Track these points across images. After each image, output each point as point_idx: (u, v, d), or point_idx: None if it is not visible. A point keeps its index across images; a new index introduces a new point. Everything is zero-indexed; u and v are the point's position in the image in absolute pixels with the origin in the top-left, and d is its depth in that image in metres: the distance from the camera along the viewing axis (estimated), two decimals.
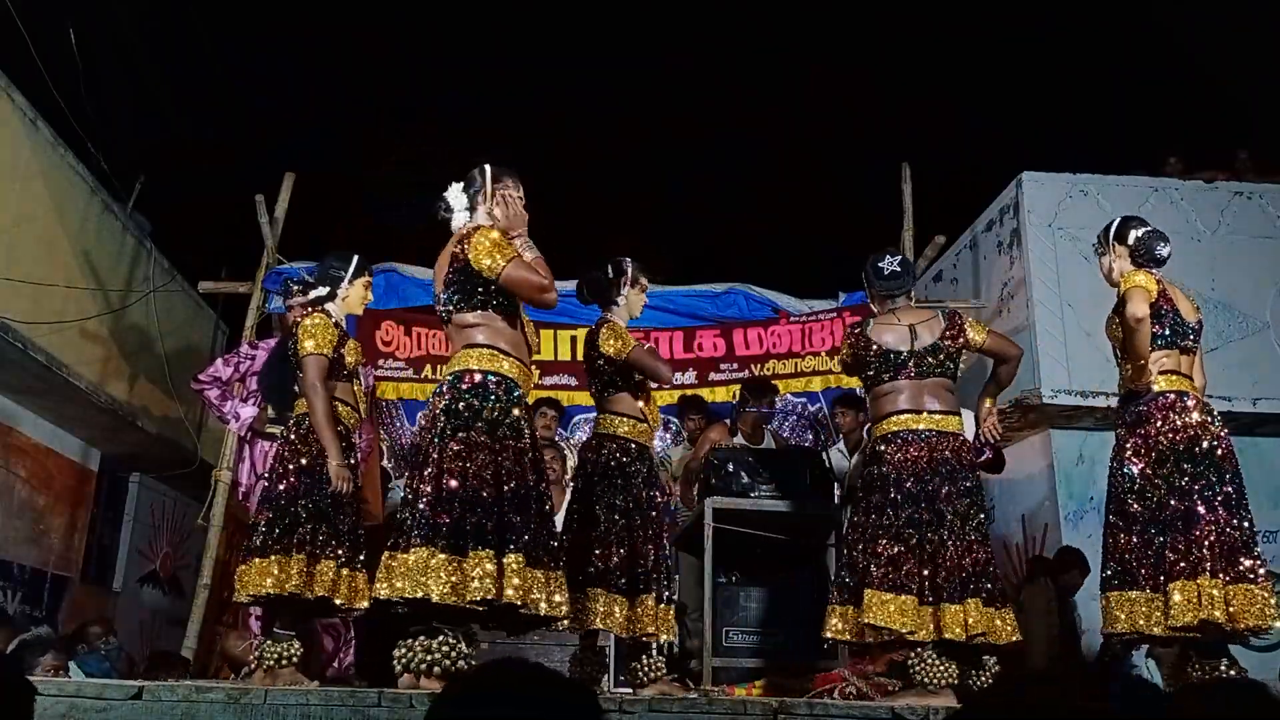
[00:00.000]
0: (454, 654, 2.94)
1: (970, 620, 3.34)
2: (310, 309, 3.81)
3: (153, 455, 7.85)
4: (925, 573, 3.39)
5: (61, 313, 6.38)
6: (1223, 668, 3.34)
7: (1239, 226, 6.50)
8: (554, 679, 1.12)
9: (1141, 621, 3.29)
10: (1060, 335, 6.14)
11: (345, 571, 3.56)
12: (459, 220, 3.31)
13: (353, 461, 3.74)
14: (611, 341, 3.70)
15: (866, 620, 3.39)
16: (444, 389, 3.15)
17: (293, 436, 3.67)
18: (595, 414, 3.96)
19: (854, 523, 3.65)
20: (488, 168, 3.34)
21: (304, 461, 3.59)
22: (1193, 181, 6.64)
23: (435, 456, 3.03)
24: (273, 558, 3.45)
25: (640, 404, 3.81)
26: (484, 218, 3.27)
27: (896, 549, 3.42)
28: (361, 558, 3.71)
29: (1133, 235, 3.60)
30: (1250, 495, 6.46)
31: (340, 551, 3.55)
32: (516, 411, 3.11)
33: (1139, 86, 11.17)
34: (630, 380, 3.79)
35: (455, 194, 3.33)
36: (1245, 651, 3.54)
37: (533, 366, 3.33)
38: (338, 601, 3.52)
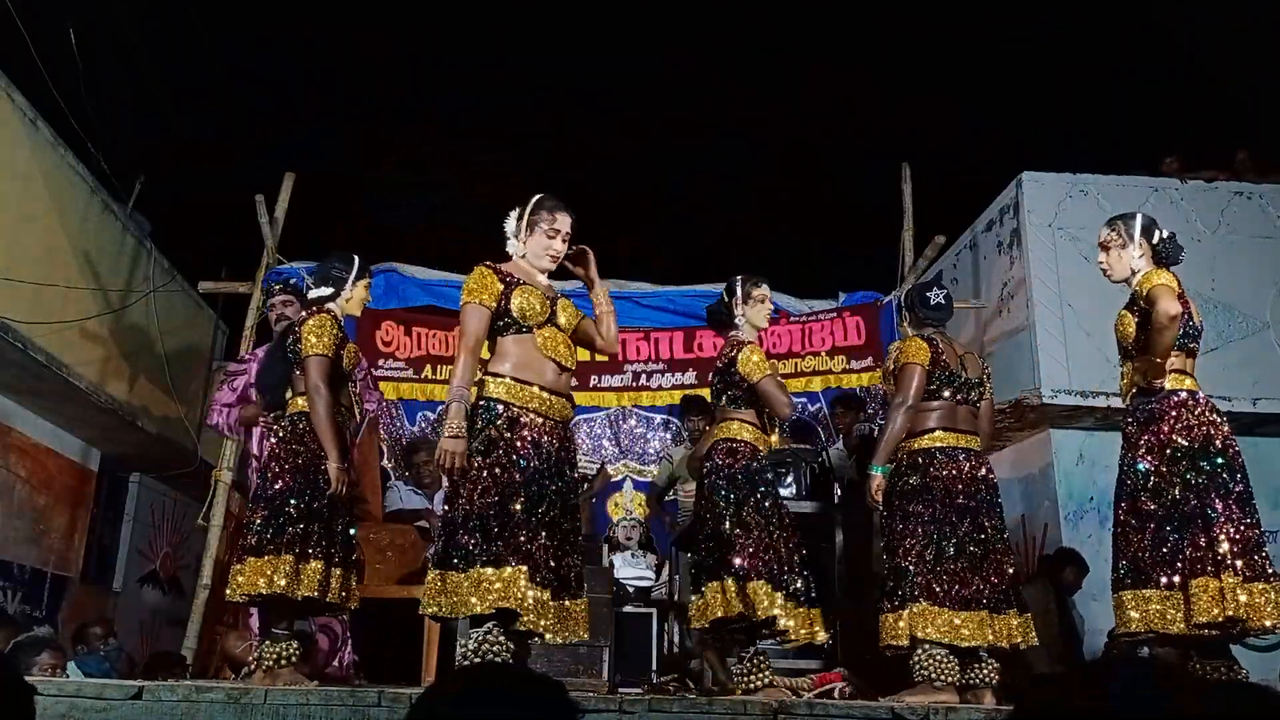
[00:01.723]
0: (495, 648, 3.07)
1: (1014, 627, 3.66)
2: (313, 309, 3.81)
3: (153, 455, 7.85)
4: (983, 585, 3.66)
5: (61, 313, 6.38)
6: (1224, 669, 3.34)
7: (1239, 226, 6.50)
8: (530, 678, 1.13)
9: (1157, 620, 3.27)
10: (1060, 335, 6.14)
11: (338, 571, 3.57)
12: (510, 248, 3.45)
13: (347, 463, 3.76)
14: (748, 366, 3.87)
15: (929, 636, 3.56)
16: None
17: (287, 435, 3.68)
18: (716, 421, 4.11)
19: (900, 530, 3.76)
20: (532, 199, 3.45)
21: (300, 461, 3.59)
22: (1193, 181, 6.63)
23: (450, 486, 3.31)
24: (267, 557, 3.45)
25: (762, 417, 3.97)
26: (517, 249, 3.43)
27: (960, 564, 3.67)
28: (355, 558, 3.72)
29: (1157, 235, 3.61)
30: None
31: (333, 551, 3.56)
32: (492, 431, 3.19)
33: (1139, 86, 11.16)
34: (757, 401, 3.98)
35: (510, 223, 3.46)
36: (1245, 651, 3.53)
37: (564, 376, 3.38)
38: (329, 600, 3.53)
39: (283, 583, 3.41)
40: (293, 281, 4.97)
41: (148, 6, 8.14)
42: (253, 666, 3.55)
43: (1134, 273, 3.58)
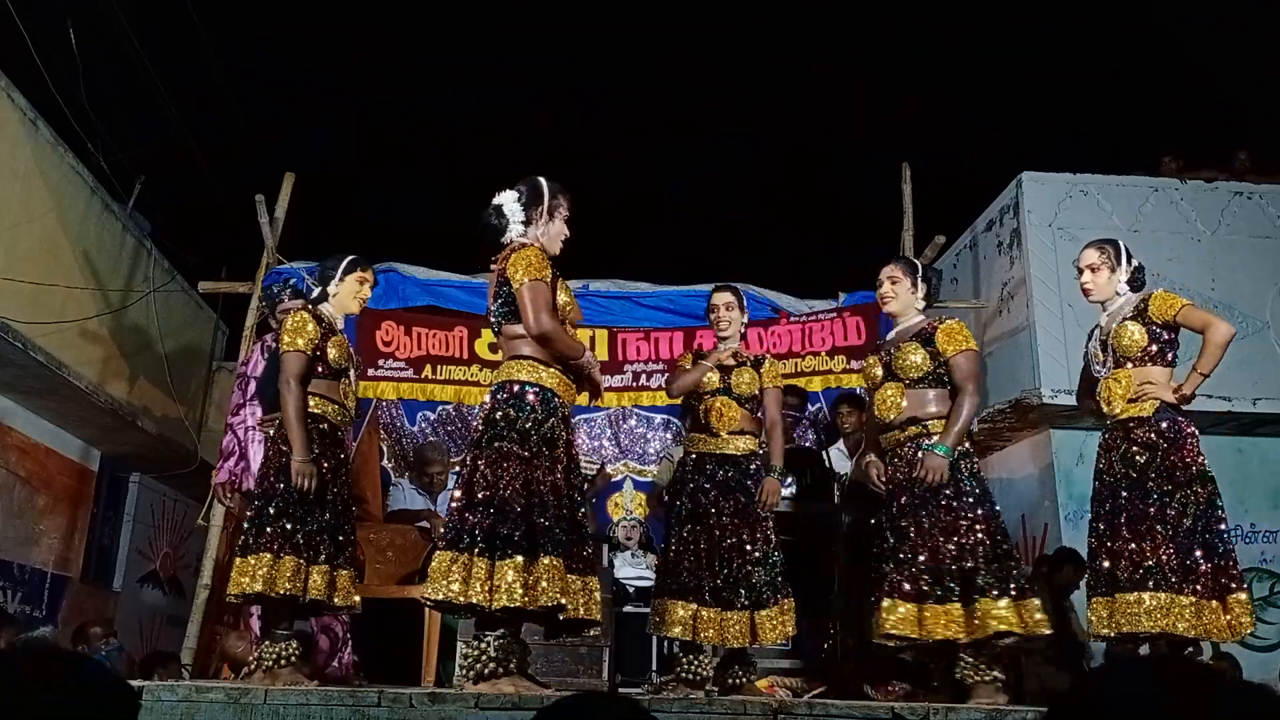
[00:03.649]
0: (509, 655, 3.06)
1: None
2: (296, 307, 3.83)
3: (153, 455, 7.85)
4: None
5: (61, 313, 6.38)
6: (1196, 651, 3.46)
7: (1239, 226, 6.49)
8: (619, 703, 1.18)
9: (1183, 626, 3.34)
10: (1060, 335, 6.14)
11: (322, 568, 3.53)
12: (513, 232, 3.34)
13: (343, 457, 3.75)
14: None
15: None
16: (488, 398, 3.25)
17: (274, 436, 3.70)
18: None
19: (998, 512, 3.69)
20: (544, 183, 3.39)
21: (283, 461, 3.58)
22: (1193, 181, 6.63)
23: (471, 463, 3.17)
24: (250, 557, 3.46)
25: (706, 422, 3.99)
26: (535, 234, 3.34)
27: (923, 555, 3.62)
28: (348, 555, 3.68)
29: (1135, 262, 3.72)
30: (1250, 495, 6.48)
31: (319, 549, 3.54)
32: (551, 421, 3.18)
33: (1139, 86, 11.18)
34: (691, 401, 4.08)
35: (510, 203, 3.35)
36: (1246, 652, 3.55)
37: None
38: (313, 597, 3.49)
39: (259, 583, 3.40)
40: (293, 282, 4.96)
41: (148, 6, 8.14)
42: (252, 667, 3.55)
43: (1118, 295, 3.69)
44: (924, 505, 3.54)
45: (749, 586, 3.78)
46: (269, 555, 3.44)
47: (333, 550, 3.59)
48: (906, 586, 3.45)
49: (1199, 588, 3.35)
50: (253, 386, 4.65)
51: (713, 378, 4.03)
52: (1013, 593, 3.37)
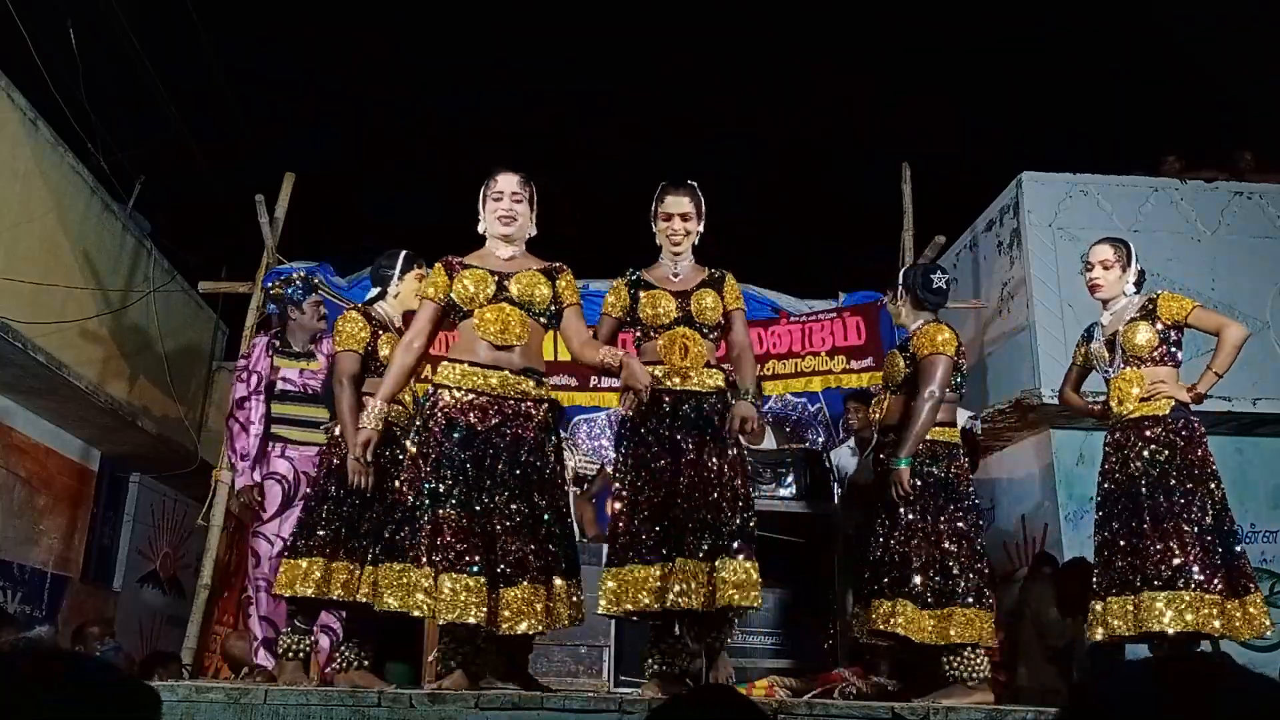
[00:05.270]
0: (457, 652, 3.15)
1: None
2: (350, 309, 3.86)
3: (153, 455, 7.84)
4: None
5: (61, 313, 6.38)
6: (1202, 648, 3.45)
7: (1239, 226, 6.49)
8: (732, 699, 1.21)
9: (1205, 625, 3.36)
10: (1060, 335, 6.14)
11: (371, 569, 3.53)
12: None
13: (397, 455, 3.74)
14: None
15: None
16: None
17: (330, 440, 3.73)
18: None
19: (959, 526, 3.66)
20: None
21: (335, 463, 3.60)
22: (1193, 181, 6.63)
23: None
24: (300, 560, 3.50)
25: (666, 358, 3.40)
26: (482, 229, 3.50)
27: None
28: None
29: (1139, 265, 3.82)
30: (1250, 495, 6.49)
31: (370, 552, 3.53)
32: (418, 421, 3.31)
33: (1139, 86, 11.18)
34: (642, 337, 3.63)
35: None
36: (1246, 652, 3.56)
37: (504, 353, 3.25)
38: (362, 599, 3.49)
39: (310, 587, 3.45)
40: (309, 279, 4.95)
41: (148, 6, 8.14)
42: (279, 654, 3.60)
43: (1123, 295, 3.77)
44: (890, 511, 3.64)
45: (714, 530, 3.13)
46: (322, 560, 3.48)
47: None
48: (879, 586, 3.59)
49: (1222, 585, 3.36)
50: (254, 380, 4.65)
51: (669, 306, 3.37)
52: (970, 602, 3.47)
